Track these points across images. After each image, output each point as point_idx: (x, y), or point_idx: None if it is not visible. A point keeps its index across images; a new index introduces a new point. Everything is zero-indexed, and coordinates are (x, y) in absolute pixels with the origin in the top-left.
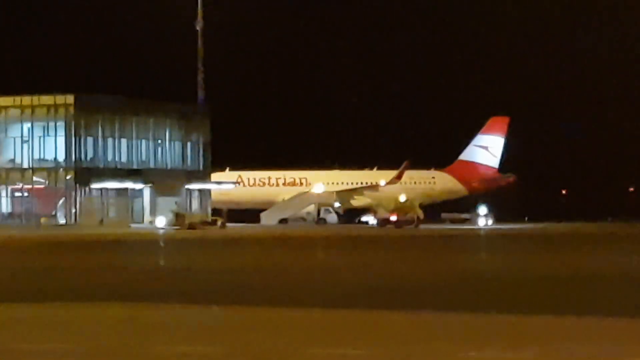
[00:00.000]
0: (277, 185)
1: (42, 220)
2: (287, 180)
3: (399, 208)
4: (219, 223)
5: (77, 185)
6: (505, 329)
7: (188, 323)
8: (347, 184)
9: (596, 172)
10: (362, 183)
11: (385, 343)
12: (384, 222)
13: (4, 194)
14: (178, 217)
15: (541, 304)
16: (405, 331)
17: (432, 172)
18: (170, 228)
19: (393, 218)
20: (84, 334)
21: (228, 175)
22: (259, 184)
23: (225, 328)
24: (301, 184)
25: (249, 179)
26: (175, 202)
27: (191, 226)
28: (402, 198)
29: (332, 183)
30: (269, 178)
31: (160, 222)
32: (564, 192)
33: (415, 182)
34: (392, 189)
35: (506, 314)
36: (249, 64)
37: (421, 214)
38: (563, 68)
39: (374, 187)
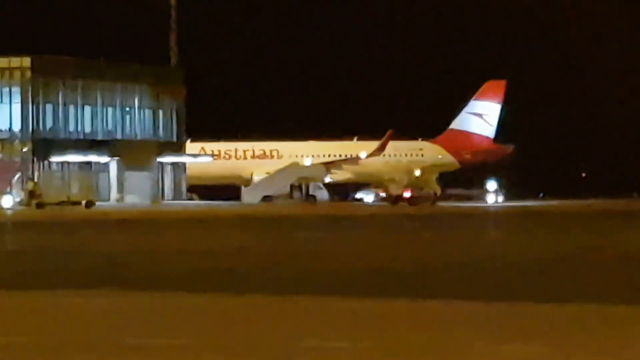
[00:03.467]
0: (245, 158)
1: None
2: (256, 153)
3: (413, 183)
4: (83, 203)
5: (35, 158)
6: (524, 319)
7: (160, 312)
8: (324, 156)
9: (619, 145)
10: (340, 156)
11: (390, 334)
12: (396, 199)
13: None
14: (30, 196)
15: (569, 291)
16: (414, 321)
17: (420, 143)
18: (17, 207)
19: (407, 194)
20: (45, 324)
21: (190, 147)
22: (224, 157)
23: (204, 317)
24: (272, 156)
25: (212, 152)
26: (29, 178)
27: (40, 205)
28: (417, 172)
29: (307, 155)
30: (236, 150)
31: (7, 201)
32: (582, 166)
33: (400, 155)
34: (375, 161)
35: (536, 303)
36: (219, 24)
37: (438, 190)
38: (571, 22)
39: (354, 160)
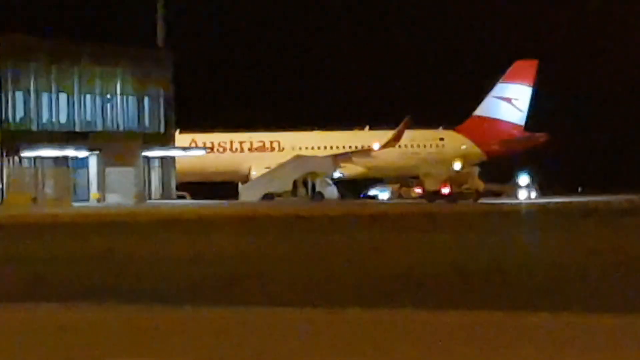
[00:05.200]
0: (242, 150)
1: None
2: (255, 145)
3: (453, 178)
4: None
5: (3, 153)
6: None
7: (140, 326)
8: (332, 148)
9: None
10: (350, 147)
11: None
12: (433, 195)
13: None
14: None
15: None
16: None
17: (440, 132)
18: None
19: (445, 190)
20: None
21: (179, 139)
22: (218, 150)
23: (189, 334)
24: (272, 148)
25: (205, 144)
26: None
27: None
28: (457, 166)
29: (313, 147)
30: (231, 142)
31: None
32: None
33: (418, 145)
34: (391, 153)
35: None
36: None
37: (481, 186)
38: None
39: (366, 151)
